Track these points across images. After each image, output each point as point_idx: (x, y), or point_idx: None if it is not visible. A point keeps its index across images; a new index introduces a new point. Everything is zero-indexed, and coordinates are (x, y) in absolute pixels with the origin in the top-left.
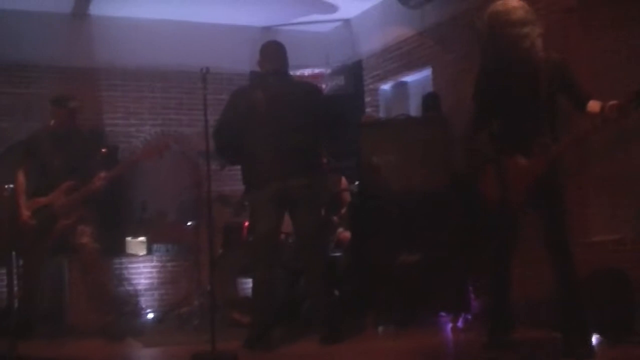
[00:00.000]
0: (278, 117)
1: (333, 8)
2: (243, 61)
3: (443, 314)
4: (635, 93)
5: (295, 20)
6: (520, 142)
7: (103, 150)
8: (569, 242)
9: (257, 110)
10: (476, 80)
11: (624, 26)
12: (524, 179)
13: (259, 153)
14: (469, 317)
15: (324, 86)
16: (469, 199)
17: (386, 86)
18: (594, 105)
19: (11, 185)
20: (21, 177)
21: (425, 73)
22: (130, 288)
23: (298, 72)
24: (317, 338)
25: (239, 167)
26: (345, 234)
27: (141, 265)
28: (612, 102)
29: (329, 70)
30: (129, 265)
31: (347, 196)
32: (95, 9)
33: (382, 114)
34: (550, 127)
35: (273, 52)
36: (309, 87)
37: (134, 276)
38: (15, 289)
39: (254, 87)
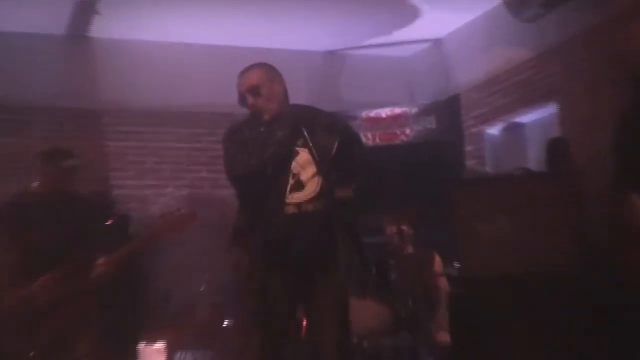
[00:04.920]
0: None
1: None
2: (300, 95)
3: None
4: None
5: (367, 42)
6: None
7: (109, 221)
8: None
9: None
10: (620, 121)
11: None
12: None
13: None
14: None
15: (407, 131)
16: (609, 282)
17: (494, 129)
18: None
19: None
20: None
21: (549, 110)
22: None
23: (372, 113)
24: None
25: None
26: (443, 337)
27: None
28: None
29: (414, 109)
30: None
31: (444, 283)
32: (97, 30)
33: (489, 168)
34: None
35: None
36: None
37: None
38: None
39: None
